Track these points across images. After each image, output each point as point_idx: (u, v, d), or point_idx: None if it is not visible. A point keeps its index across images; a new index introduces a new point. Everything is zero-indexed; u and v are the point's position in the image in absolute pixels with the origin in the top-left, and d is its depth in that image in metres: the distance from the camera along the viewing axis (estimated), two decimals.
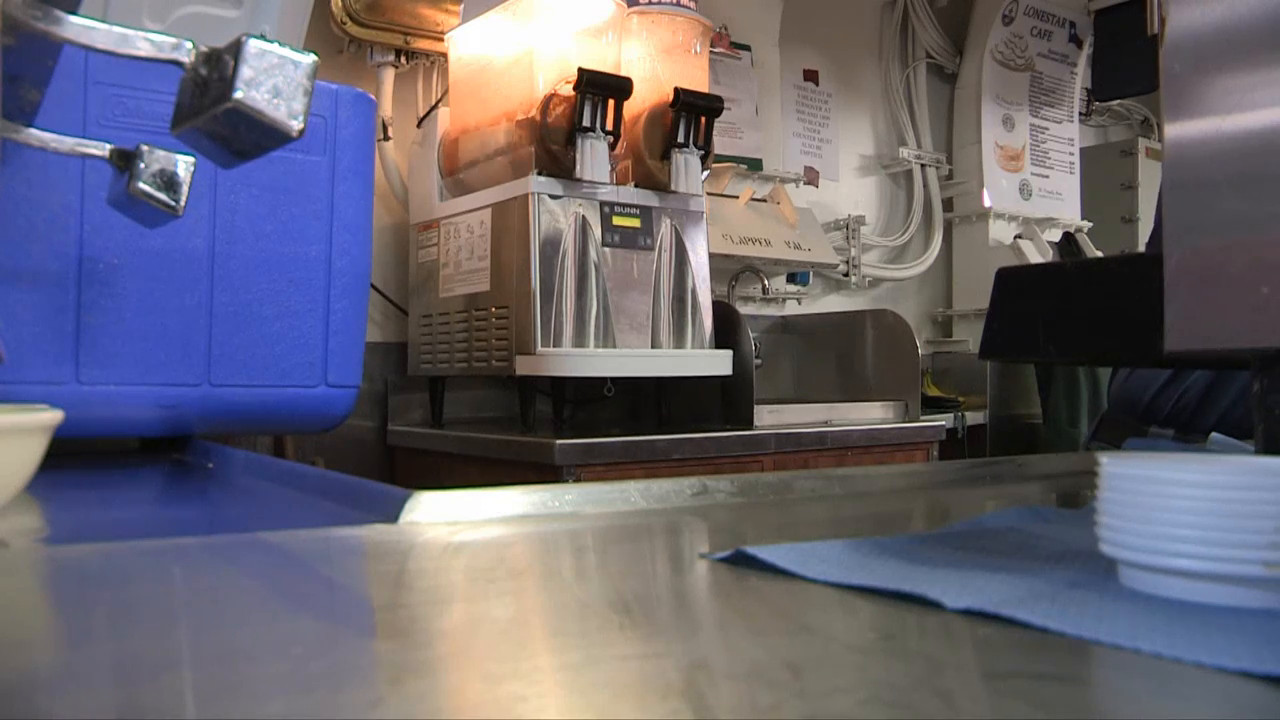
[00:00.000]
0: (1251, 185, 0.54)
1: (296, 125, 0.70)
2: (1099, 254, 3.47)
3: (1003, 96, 3.58)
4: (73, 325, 1.13)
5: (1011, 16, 3.55)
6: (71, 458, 1.21)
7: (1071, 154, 3.81)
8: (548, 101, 1.93)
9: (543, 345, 1.87)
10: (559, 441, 1.76)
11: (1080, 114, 3.89)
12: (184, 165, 0.91)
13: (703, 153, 2.09)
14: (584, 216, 1.96)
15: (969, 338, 3.41)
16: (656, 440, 1.88)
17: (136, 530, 0.80)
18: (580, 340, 1.92)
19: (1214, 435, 1.15)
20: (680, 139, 2.04)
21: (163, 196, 0.90)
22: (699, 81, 2.17)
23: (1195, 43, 0.57)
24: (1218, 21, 0.56)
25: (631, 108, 2.01)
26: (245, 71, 0.68)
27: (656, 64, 2.15)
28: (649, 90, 2.09)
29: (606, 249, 1.98)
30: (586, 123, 1.89)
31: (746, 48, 3.03)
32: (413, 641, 0.42)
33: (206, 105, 0.70)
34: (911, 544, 0.59)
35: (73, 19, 0.70)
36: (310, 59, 0.70)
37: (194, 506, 0.95)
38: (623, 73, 2.02)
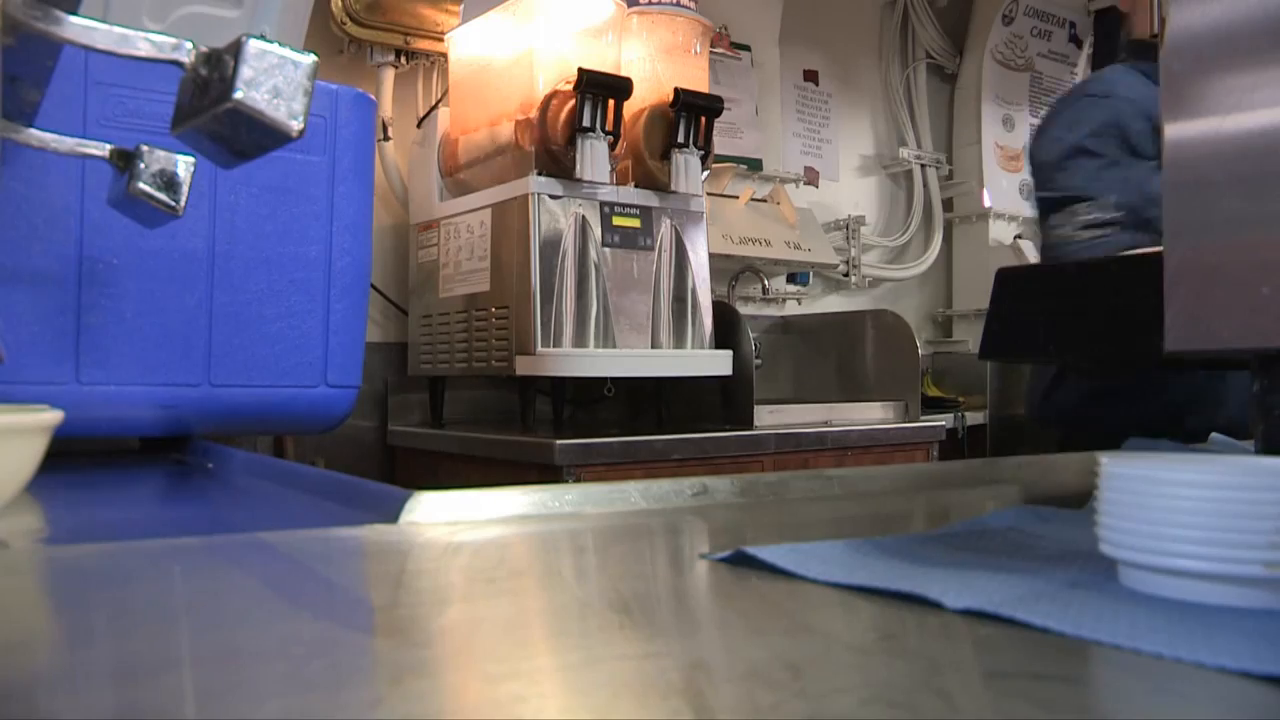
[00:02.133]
0: (1251, 185, 0.54)
1: (296, 125, 0.70)
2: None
3: (1003, 96, 3.58)
4: (73, 325, 1.13)
5: (1011, 16, 3.55)
6: (71, 458, 1.21)
7: None
8: (548, 101, 1.93)
9: (543, 345, 1.87)
10: (559, 441, 1.76)
11: None
12: (184, 165, 0.91)
13: (703, 153, 2.09)
14: (584, 216, 1.96)
15: (969, 338, 3.41)
16: (656, 440, 1.88)
17: (136, 530, 0.80)
18: (580, 340, 1.92)
19: (1214, 435, 1.15)
20: (680, 139, 2.04)
21: (163, 196, 0.90)
22: (699, 81, 2.17)
23: (1195, 43, 0.57)
24: (1218, 21, 0.56)
25: (631, 108, 2.01)
26: (245, 71, 0.68)
27: (656, 64, 2.15)
28: (649, 90, 2.09)
29: (606, 249, 1.98)
30: (586, 123, 1.89)
31: (746, 48, 3.03)
32: (413, 641, 0.42)
33: (206, 105, 0.70)
34: (911, 544, 0.59)
35: (73, 19, 0.70)
36: (310, 59, 0.70)
37: (194, 506, 0.95)
38: (623, 73, 2.02)
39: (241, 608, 0.47)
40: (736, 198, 2.86)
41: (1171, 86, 0.58)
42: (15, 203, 1.10)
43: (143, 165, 0.90)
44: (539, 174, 1.92)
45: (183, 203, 0.92)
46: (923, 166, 3.46)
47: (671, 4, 2.15)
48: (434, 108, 2.31)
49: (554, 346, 1.89)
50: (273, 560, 0.58)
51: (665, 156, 2.06)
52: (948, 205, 3.56)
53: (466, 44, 2.17)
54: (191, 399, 1.21)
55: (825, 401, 2.46)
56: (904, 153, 3.41)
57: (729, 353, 2.09)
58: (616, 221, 2.01)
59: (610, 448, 1.82)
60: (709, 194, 2.46)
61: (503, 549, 0.63)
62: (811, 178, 3.23)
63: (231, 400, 1.24)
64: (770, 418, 2.23)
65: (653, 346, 2.01)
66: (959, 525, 0.67)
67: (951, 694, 0.34)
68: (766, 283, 2.82)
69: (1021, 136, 3.62)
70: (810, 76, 3.27)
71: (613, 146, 1.95)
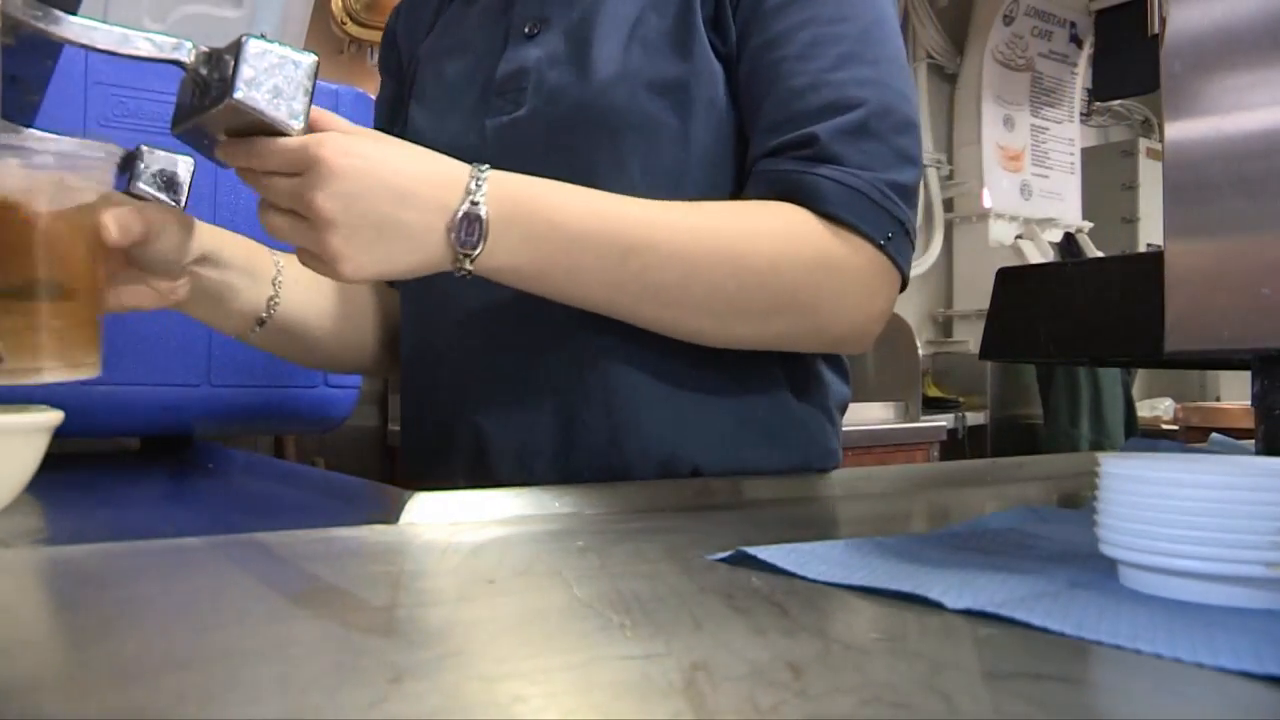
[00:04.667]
0: (1251, 185, 0.54)
1: (297, 125, 0.70)
2: (1099, 254, 3.48)
3: (1003, 96, 3.58)
4: None
5: (1012, 16, 3.55)
6: (71, 458, 1.21)
7: (1072, 154, 3.81)
8: None
9: None
10: None
11: (1080, 114, 3.89)
12: (184, 165, 0.91)
13: None
14: None
15: (969, 338, 3.41)
16: None
17: (136, 530, 0.80)
18: None
19: (1214, 435, 1.15)
20: None
21: (163, 197, 0.90)
22: None
23: (1195, 43, 0.57)
24: (1218, 21, 0.56)
25: None
26: (245, 71, 0.68)
27: None
28: None
29: None
30: None
31: None
32: (412, 641, 0.42)
33: (206, 105, 0.70)
34: (911, 544, 0.59)
35: (73, 19, 0.70)
36: (311, 59, 0.70)
37: (194, 506, 0.95)
38: None
39: (241, 608, 0.47)
40: None
41: (1171, 86, 0.58)
42: None
43: (143, 165, 0.90)
44: None
45: (183, 203, 0.92)
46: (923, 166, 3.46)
47: None
48: None
49: None
50: (273, 560, 0.58)
51: None
52: (948, 205, 3.56)
53: None
54: (191, 399, 1.21)
55: None
56: None
57: None
58: None
59: None
60: None
61: (503, 549, 0.63)
62: None
63: (231, 400, 1.23)
64: None
65: None
66: (959, 525, 0.67)
67: (951, 694, 0.34)
68: None
69: (1022, 137, 3.62)
70: None
71: None
